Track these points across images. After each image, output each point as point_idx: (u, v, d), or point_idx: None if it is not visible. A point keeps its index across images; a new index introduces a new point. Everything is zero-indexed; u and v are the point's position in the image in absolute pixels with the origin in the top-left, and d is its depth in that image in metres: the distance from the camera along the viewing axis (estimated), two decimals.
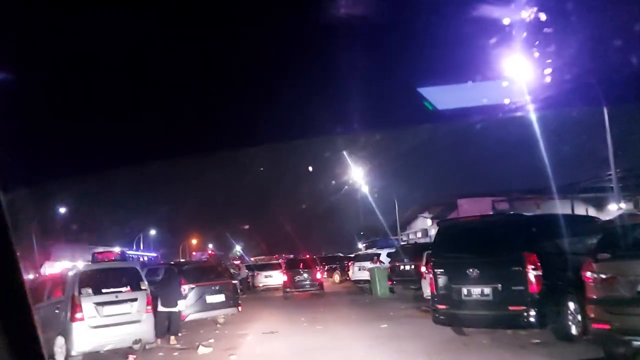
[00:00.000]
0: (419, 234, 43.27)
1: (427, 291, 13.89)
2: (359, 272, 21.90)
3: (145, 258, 51.94)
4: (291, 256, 26.00)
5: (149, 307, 10.32)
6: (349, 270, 30.01)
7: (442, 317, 9.06)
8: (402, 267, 17.42)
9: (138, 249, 54.59)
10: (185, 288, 12.68)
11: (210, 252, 55.82)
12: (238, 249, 77.37)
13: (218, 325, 13.52)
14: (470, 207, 32.71)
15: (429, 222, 42.32)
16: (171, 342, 11.02)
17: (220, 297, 13.25)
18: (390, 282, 17.94)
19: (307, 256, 23.88)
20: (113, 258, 11.53)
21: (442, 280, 9.12)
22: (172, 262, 14.48)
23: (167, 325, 11.18)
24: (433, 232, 44.13)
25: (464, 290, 8.67)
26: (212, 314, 13.10)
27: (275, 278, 26.28)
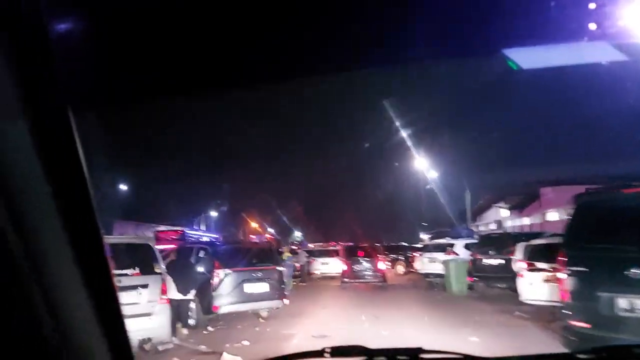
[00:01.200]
0: (492, 226, 39.24)
1: (525, 293, 10.65)
2: (429, 264, 18.70)
3: (207, 239, 50.82)
4: (351, 244, 23.07)
5: (165, 297, 7.81)
6: (413, 261, 26.82)
7: (578, 340, 5.85)
8: (487, 261, 14.08)
9: (199, 229, 53.84)
10: (219, 273, 10.16)
11: (268, 236, 54.19)
12: (298, 234, 75.87)
13: (261, 320, 10.94)
14: (557, 197, 28.43)
15: (505, 212, 38.11)
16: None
17: (263, 287, 10.64)
18: (470, 279, 14.66)
19: (368, 244, 20.87)
20: (174, 237, 9.91)
21: (581, 285, 5.92)
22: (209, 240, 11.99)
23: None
24: (509, 223, 39.94)
25: (620, 302, 5.46)
26: (251, 307, 10.51)
27: (332, 266, 23.70)
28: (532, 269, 10.57)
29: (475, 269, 14.50)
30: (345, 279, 18.93)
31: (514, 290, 13.67)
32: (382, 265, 19.00)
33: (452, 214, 46.29)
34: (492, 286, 14.30)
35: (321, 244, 31.60)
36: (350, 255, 19.72)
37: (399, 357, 1.58)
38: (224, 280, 10.13)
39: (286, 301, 11.01)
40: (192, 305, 10.10)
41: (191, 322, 10.03)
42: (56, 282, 1.07)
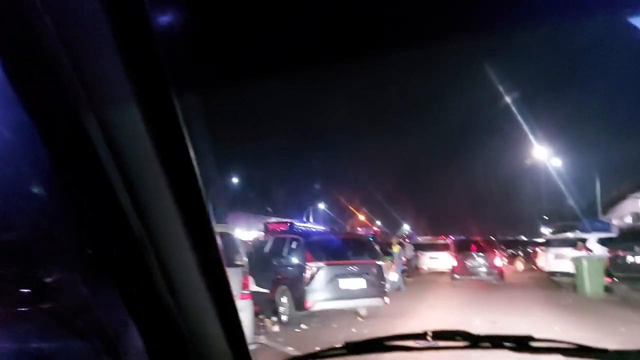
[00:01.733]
0: (629, 220, 34.29)
1: None
2: (555, 261, 16.27)
3: (314, 230, 51.14)
4: (462, 237, 21.10)
5: (246, 291, 6.97)
6: (535, 257, 24.00)
7: None
8: (631, 258, 11.62)
9: (308, 221, 54.20)
10: (312, 266, 9.19)
11: (376, 229, 53.04)
12: (406, 227, 74.02)
13: (359, 320, 9.82)
14: None
15: None
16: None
17: (360, 283, 9.49)
18: (608, 279, 12.27)
19: (482, 237, 18.83)
20: (283, 229, 9.58)
21: None
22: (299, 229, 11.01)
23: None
24: None
25: None
26: (347, 304, 9.40)
27: (442, 261, 21.99)
28: None
29: (614, 268, 12.08)
30: (456, 275, 17.21)
31: None
32: (499, 261, 16.95)
33: (578, 206, 41.61)
34: (637, 289, 11.81)
35: (430, 237, 29.80)
36: (462, 249, 17.92)
37: (505, 343, 1.43)
38: (317, 274, 9.14)
39: (387, 299, 9.75)
40: (284, 299, 9.28)
41: (284, 318, 9.21)
42: (175, 266, 1.10)
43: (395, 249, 16.22)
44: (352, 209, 60.34)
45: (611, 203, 39.22)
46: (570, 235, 16.75)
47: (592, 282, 13.07)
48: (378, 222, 67.64)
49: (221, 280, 1.18)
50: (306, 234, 10.13)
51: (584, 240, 15.51)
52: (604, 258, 13.29)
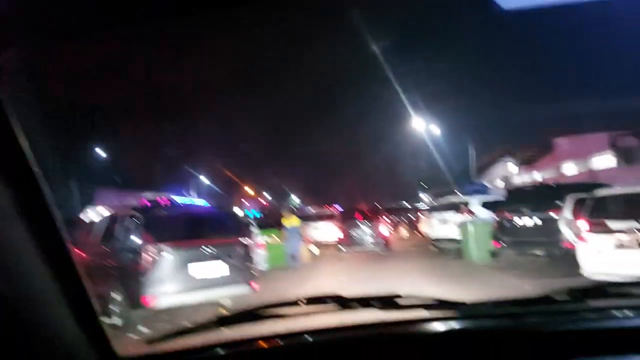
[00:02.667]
0: (499, 183, 36.01)
1: (589, 265, 7.44)
2: (439, 226, 15.46)
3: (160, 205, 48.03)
4: (347, 206, 19.86)
5: None
6: (418, 223, 23.74)
7: None
8: (519, 221, 10.79)
9: (189, 196, 50.68)
10: (152, 250, 6.87)
11: (262, 201, 51.22)
12: (295, 198, 73.15)
13: (224, 313, 7.68)
14: (574, 147, 25.06)
15: (513, 167, 34.85)
16: None
17: (219, 268, 7.35)
18: (496, 244, 11.42)
19: (368, 206, 17.63)
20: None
21: None
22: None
23: None
24: (518, 179, 36.68)
25: None
26: (202, 296, 7.19)
27: (328, 232, 20.57)
28: (599, 230, 7.29)
29: (502, 232, 11.24)
30: (343, 248, 15.79)
31: (555, 257, 10.49)
32: (385, 229, 15.83)
33: (452, 172, 43.02)
34: (524, 253, 11.09)
35: (316, 208, 28.50)
36: (348, 219, 16.56)
37: (373, 303, 1.51)
38: (159, 260, 6.84)
39: (255, 285, 7.75)
40: (116, 296, 6.89)
41: (116, 320, 6.83)
42: (22, 278, 1.05)
43: (291, 222, 14.02)
44: (239, 181, 57.72)
45: (484, 168, 41.09)
46: (453, 199, 16.04)
47: (479, 248, 12.26)
48: (266, 195, 65.91)
49: (77, 285, 1.13)
50: (147, 209, 7.69)
51: (467, 204, 14.80)
52: (490, 222, 12.51)
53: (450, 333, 1.34)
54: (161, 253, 6.84)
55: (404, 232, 24.23)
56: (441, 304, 1.50)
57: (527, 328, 1.35)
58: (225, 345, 1.40)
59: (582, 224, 7.56)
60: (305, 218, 23.16)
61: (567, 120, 26.59)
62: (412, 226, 24.43)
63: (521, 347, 1.23)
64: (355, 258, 15.97)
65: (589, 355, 1.17)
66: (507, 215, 11.11)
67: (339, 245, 15.82)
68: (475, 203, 14.86)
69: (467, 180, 32.25)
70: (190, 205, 9.29)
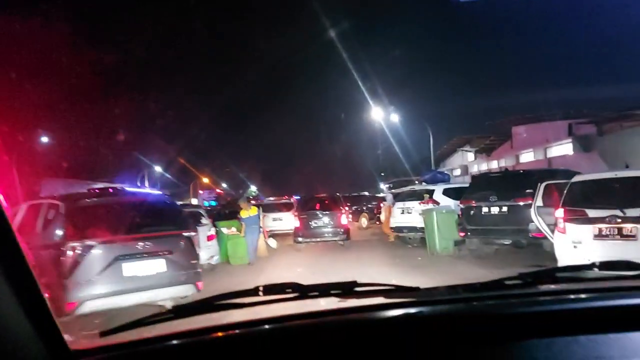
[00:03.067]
0: (457, 172, 36.08)
1: (566, 257, 6.89)
2: (401, 216, 14.83)
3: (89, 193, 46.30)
4: (306, 195, 18.94)
5: None
6: (378, 212, 23.17)
7: None
8: (485, 210, 10.21)
9: (142, 186, 48.72)
10: (75, 246, 5.80)
11: (219, 190, 49.66)
12: (253, 189, 71.83)
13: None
14: (532, 136, 25.06)
15: (471, 156, 34.91)
16: None
17: (157, 266, 6.35)
18: (462, 233, 10.84)
19: (327, 194, 16.79)
20: None
21: None
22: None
23: None
24: (475, 168, 36.80)
25: None
26: (137, 299, 6.16)
27: (285, 222, 19.72)
28: (578, 219, 6.71)
29: (468, 221, 10.66)
30: (299, 238, 14.92)
31: (522, 247, 10.02)
32: (345, 219, 15.04)
33: (411, 161, 42.97)
34: (490, 243, 10.57)
35: (273, 197, 27.56)
36: (306, 208, 15.67)
37: (332, 291, 1.52)
38: (85, 257, 5.78)
39: (200, 284, 6.77)
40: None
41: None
42: None
43: (249, 212, 12.73)
44: (194, 171, 55.81)
45: (443, 157, 41.15)
46: (415, 187, 15.44)
47: (443, 237, 11.68)
48: (224, 185, 64.31)
49: (15, 256, 1.10)
50: (73, 198, 6.55)
51: (431, 193, 14.22)
52: (454, 211, 11.95)
53: (406, 317, 1.36)
54: (86, 249, 5.78)
55: (364, 221, 23.63)
56: (397, 290, 1.56)
57: (479, 312, 1.38)
58: (181, 335, 1.35)
59: (559, 213, 6.97)
60: (263, 208, 22.25)
61: (525, 109, 26.64)
62: (372, 215, 23.84)
63: (474, 330, 1.24)
64: (314, 249, 15.19)
65: (538, 336, 1.18)
66: (473, 203, 10.53)
67: (296, 237, 14.94)
68: (438, 191, 14.31)
69: (427, 168, 32.08)
70: (126, 191, 8.17)
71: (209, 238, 11.31)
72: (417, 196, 14.63)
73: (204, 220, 11.72)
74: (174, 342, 1.31)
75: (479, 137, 31.54)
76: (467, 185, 15.49)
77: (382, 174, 59.52)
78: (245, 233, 12.26)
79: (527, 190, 9.70)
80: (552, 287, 1.57)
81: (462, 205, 10.85)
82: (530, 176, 9.96)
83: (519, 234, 9.63)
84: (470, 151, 33.35)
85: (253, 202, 22.80)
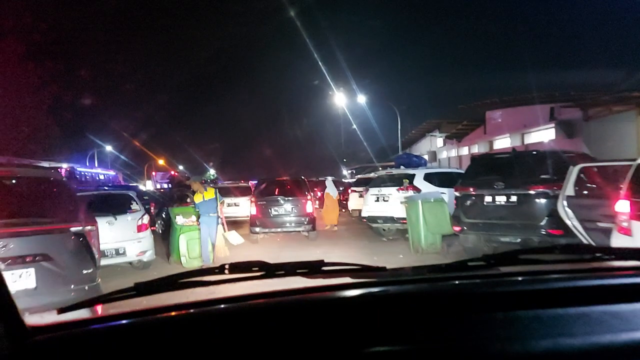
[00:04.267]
0: (425, 158, 34.35)
1: None
2: (376, 204, 12.70)
3: (102, 177, 43.24)
4: (265, 178, 16.47)
5: None
6: (345, 200, 21.07)
7: None
8: (489, 199, 8.14)
9: (92, 166, 45.16)
10: None
11: (173, 172, 46.40)
12: (212, 172, 68.94)
13: None
14: (508, 120, 23.43)
15: (440, 142, 33.22)
16: None
17: (24, 281, 3.93)
18: (457, 227, 8.76)
19: (291, 178, 14.43)
20: None
21: None
22: None
23: None
24: (444, 154, 35.23)
25: None
26: None
27: (242, 208, 17.41)
28: None
29: (465, 212, 8.59)
30: (257, 228, 12.58)
31: (531, 246, 8.01)
32: (311, 207, 12.79)
33: (373, 148, 41.30)
34: (493, 240, 8.54)
35: (230, 181, 25.03)
36: (265, 193, 13.30)
37: (299, 270, 1.52)
38: None
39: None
40: None
41: None
42: None
43: (204, 195, 9.51)
44: (149, 152, 52.17)
45: (410, 143, 39.44)
46: (393, 171, 13.28)
47: (430, 232, 9.60)
48: (181, 167, 61.05)
49: None
50: None
51: (411, 178, 12.15)
52: (443, 200, 9.90)
53: (372, 296, 1.34)
54: None
55: None
56: (364, 270, 1.58)
57: (444, 291, 1.38)
58: (142, 313, 1.29)
59: (622, 207, 4.92)
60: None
61: (502, 92, 24.96)
62: (340, 202, 21.70)
63: (436, 308, 1.26)
64: (274, 241, 12.91)
65: (501, 315, 1.21)
66: (472, 190, 8.46)
67: (253, 226, 12.62)
68: (419, 176, 12.26)
69: (394, 154, 30.17)
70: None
71: (140, 228, 8.83)
72: (395, 181, 12.53)
73: (135, 206, 9.22)
74: (134, 319, 1.25)
75: (449, 122, 29.81)
76: (451, 170, 13.58)
77: (345, 160, 57.71)
78: (200, 224, 9.40)
79: (543, 176, 7.71)
80: (514, 268, 1.54)
81: (457, 193, 8.76)
82: (545, 158, 7.95)
83: (531, 230, 7.65)
84: (439, 136, 31.63)
85: (212, 185, 20.26)
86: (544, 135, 20.47)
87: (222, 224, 10.08)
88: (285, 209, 12.73)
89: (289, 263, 1.52)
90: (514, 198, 7.83)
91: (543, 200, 7.50)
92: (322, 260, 1.54)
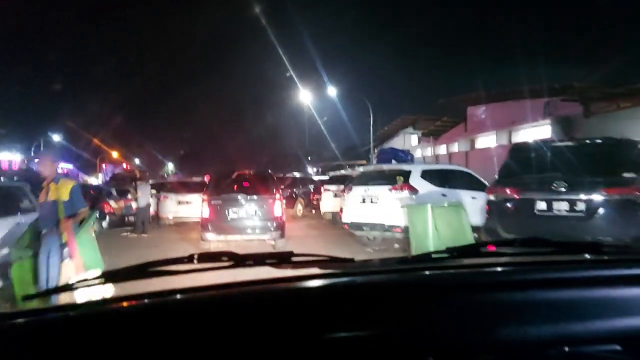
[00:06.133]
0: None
1: None
2: (361, 206, 10.04)
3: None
4: (223, 171, 13.37)
5: None
6: (316, 200, 18.36)
7: None
8: (545, 207, 5.57)
9: (37, 157, 40.87)
10: None
11: (126, 165, 42.59)
12: (170, 167, 65.26)
13: None
14: (493, 117, 21.25)
15: (415, 139, 30.98)
16: None
17: None
18: (492, 248, 6.17)
19: (255, 171, 11.48)
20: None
21: None
22: None
23: None
24: (419, 153, 33.02)
25: None
26: None
27: (195, 206, 14.38)
28: None
29: (503, 224, 6.01)
30: (208, 234, 9.71)
31: None
32: (279, 208, 10.01)
33: (340, 146, 39.02)
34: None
35: (186, 176, 21.94)
36: (221, 190, 10.39)
37: (267, 261, 1.51)
38: None
39: None
40: None
41: None
42: None
43: (56, 190, 5.06)
44: (101, 144, 47.87)
45: (383, 140, 37.05)
46: (388, 167, 10.61)
47: (443, 247, 7.00)
48: (137, 161, 57.09)
49: None
50: None
51: (405, 175, 9.56)
52: (459, 203, 7.35)
53: (339, 286, 1.35)
54: None
55: (299, 207, 18.72)
56: (333, 261, 1.58)
57: (409, 281, 1.40)
58: (108, 301, 1.30)
59: None
60: (164, 188, 16.70)
61: (481, 87, 22.83)
62: (308, 201, 19.00)
63: (403, 297, 1.26)
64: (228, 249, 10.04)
65: (464, 304, 1.24)
66: (514, 193, 5.89)
67: (205, 232, 9.76)
68: (415, 173, 9.69)
69: (366, 153, 27.69)
70: None
71: None
72: (386, 179, 9.91)
73: (27, 204, 6.23)
74: (101, 308, 1.24)
75: (426, 118, 27.56)
76: (453, 168, 11.12)
77: (309, 158, 55.33)
78: (40, 245, 4.95)
79: (626, 175, 5.21)
80: (477, 260, 1.56)
81: (492, 197, 6.17)
82: (624, 148, 5.47)
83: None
84: (414, 134, 29.36)
85: (146, 174, 17.42)
86: (536, 132, 18.36)
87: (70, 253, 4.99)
88: (246, 210, 9.90)
89: (258, 253, 1.53)
90: (581, 206, 5.30)
91: (629, 210, 5.00)
92: (292, 252, 1.54)
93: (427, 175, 9.78)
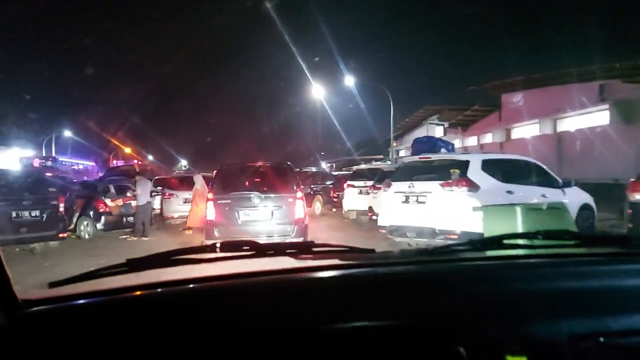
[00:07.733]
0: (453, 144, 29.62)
1: None
2: (404, 208, 7.93)
3: (81, 167, 38.09)
4: (231, 164, 11.18)
5: None
6: (336, 197, 16.25)
7: None
8: None
9: (66, 154, 40.18)
10: None
11: (136, 161, 40.99)
12: (184, 163, 63.88)
13: None
14: (533, 104, 18.88)
15: (440, 131, 28.66)
16: None
17: None
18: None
19: (273, 164, 9.32)
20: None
21: None
22: None
23: None
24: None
25: None
26: None
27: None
28: None
29: None
30: (214, 241, 7.65)
31: None
32: (301, 208, 7.94)
33: (350, 141, 37.23)
34: None
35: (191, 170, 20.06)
36: (230, 187, 8.32)
37: (288, 250, 1.51)
38: None
39: None
40: None
41: None
42: None
43: None
44: (114, 140, 46.40)
45: (403, 133, 34.71)
46: (437, 157, 8.41)
47: None
48: (150, 157, 55.77)
49: None
50: None
51: (463, 167, 7.41)
52: (562, 204, 5.22)
53: (359, 276, 1.33)
54: None
55: (317, 205, 16.62)
56: (353, 251, 1.56)
57: (430, 273, 1.39)
58: (133, 288, 1.25)
59: None
60: (169, 185, 14.78)
61: (516, 71, 20.50)
62: (328, 199, 16.92)
63: (426, 289, 1.25)
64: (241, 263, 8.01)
65: (485, 294, 1.21)
66: None
67: (209, 238, 7.76)
68: (474, 164, 7.55)
69: (387, 145, 25.51)
70: None
71: None
72: (436, 172, 7.78)
73: None
74: (126, 295, 1.22)
75: (451, 108, 25.29)
76: (518, 158, 8.93)
77: (322, 153, 53.36)
78: None
79: None
80: (499, 252, 1.57)
81: (637, 195, 4.00)
82: None
83: None
84: (439, 125, 27.04)
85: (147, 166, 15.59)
86: (588, 120, 15.99)
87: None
88: (261, 211, 7.87)
89: (278, 243, 1.87)
90: None
91: None
92: (312, 242, 1.54)
93: (488, 167, 7.65)
